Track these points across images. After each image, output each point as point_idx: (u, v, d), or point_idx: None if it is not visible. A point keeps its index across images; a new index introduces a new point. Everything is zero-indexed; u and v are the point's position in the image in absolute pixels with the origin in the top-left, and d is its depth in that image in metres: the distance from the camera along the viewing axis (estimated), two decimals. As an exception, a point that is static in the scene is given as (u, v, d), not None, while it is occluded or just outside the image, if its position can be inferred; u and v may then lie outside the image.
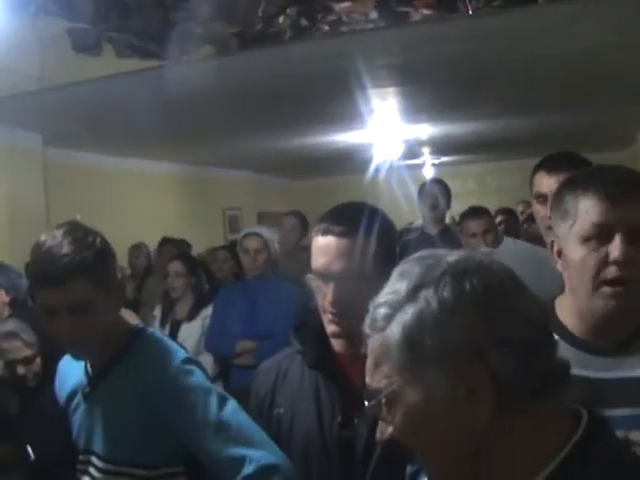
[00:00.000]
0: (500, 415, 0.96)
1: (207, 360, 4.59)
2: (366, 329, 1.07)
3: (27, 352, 2.91)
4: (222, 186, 10.59)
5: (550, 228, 2.51)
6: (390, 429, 1.05)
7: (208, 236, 8.65)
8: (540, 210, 2.64)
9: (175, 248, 6.28)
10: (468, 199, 7.83)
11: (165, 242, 6.62)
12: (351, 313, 1.64)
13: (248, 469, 1.69)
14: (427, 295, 0.97)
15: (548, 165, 2.64)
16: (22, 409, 2.57)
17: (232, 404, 1.85)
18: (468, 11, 3.85)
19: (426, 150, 10.94)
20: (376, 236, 1.72)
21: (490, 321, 0.96)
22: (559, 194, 1.61)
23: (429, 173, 11.65)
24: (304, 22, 4.04)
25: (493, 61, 5.07)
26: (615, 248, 1.49)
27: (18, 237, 5.53)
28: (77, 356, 1.93)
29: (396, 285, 1.02)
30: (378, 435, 1.08)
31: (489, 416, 0.96)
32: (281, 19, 4.05)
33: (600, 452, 0.98)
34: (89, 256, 1.77)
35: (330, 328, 1.73)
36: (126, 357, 1.91)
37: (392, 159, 8.91)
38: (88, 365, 1.97)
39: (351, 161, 10.23)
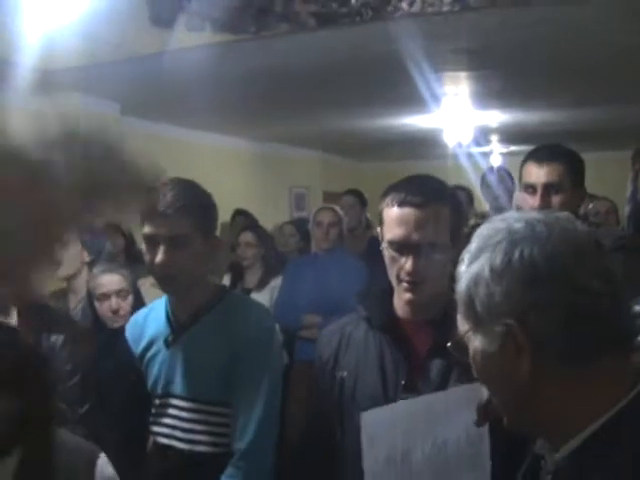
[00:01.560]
0: (541, 373, 1.04)
1: (273, 330, 4.69)
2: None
3: (123, 285, 3.10)
4: (290, 164, 10.65)
5: None
6: None
7: (274, 213, 8.74)
8: (528, 200, 2.64)
9: (246, 220, 6.43)
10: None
11: (237, 213, 6.82)
12: (426, 281, 1.72)
13: (243, 442, 2.02)
14: (483, 259, 1.07)
15: (539, 156, 2.65)
16: (101, 353, 2.71)
17: (279, 381, 2.13)
18: (544, -4, 3.83)
19: (494, 138, 10.82)
20: (450, 207, 1.78)
21: (532, 288, 1.03)
22: None
23: (497, 162, 11.49)
24: (377, 2, 4.07)
25: (570, 48, 4.97)
26: None
27: (93, 202, 5.69)
28: (166, 289, 2.15)
29: (471, 243, 1.12)
30: None
31: (528, 370, 1.04)
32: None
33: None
34: (194, 202, 2.06)
35: (406, 296, 1.78)
36: (216, 309, 2.13)
37: (462, 145, 8.86)
38: (171, 315, 2.17)
39: (419, 146, 10.20)
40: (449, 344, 1.18)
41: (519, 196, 2.73)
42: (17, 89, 4.55)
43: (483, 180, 5.26)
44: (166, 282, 2.10)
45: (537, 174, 2.60)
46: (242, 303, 2.23)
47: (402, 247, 1.75)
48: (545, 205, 2.56)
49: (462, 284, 1.11)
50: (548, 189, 2.58)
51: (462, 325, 1.14)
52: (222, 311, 2.13)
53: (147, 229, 2.06)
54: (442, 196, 1.79)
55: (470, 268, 1.10)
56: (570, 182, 2.61)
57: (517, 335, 1.04)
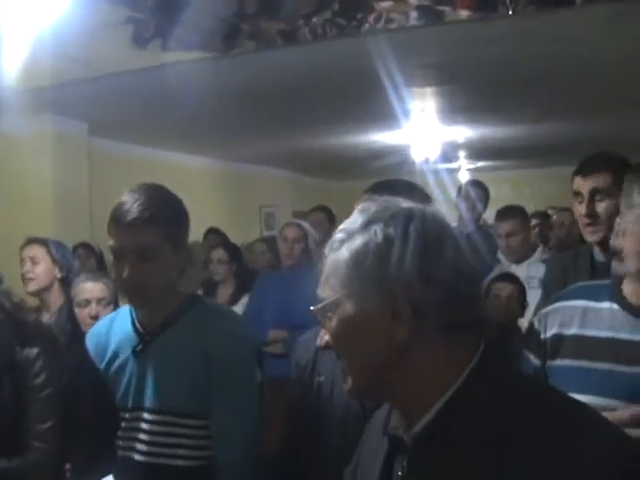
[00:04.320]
0: (415, 340, 1.12)
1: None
2: (326, 250, 1.24)
3: (106, 294, 3.12)
4: (260, 183, 10.70)
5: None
6: (327, 337, 1.23)
7: (244, 232, 8.75)
8: (576, 207, 2.68)
9: (218, 238, 6.49)
10: (502, 205, 7.85)
11: (210, 231, 6.95)
12: None
13: (232, 456, 1.96)
14: (377, 229, 1.15)
15: (584, 169, 2.66)
16: (79, 362, 2.68)
17: (257, 393, 2.05)
18: (508, 12, 3.90)
19: (462, 154, 10.94)
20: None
21: (422, 260, 1.12)
22: None
23: (465, 178, 11.60)
24: (341, 21, 4.12)
25: (533, 63, 5.06)
26: None
27: (62, 222, 5.67)
28: (135, 302, 2.06)
29: (355, 218, 1.21)
30: (318, 341, 1.22)
31: (405, 338, 1.12)
32: (320, 16, 4.12)
33: (486, 382, 1.13)
34: (162, 210, 1.96)
35: None
36: (187, 317, 2.05)
37: (429, 161, 8.93)
38: (138, 324, 2.09)
39: (387, 162, 10.26)
40: (313, 308, 1.23)
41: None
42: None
43: (458, 195, 5.36)
44: (135, 296, 2.01)
45: (583, 183, 2.63)
46: (215, 310, 2.14)
47: None
48: (591, 212, 2.59)
49: (344, 251, 1.17)
50: (593, 195, 2.60)
51: (330, 291, 1.20)
52: (193, 318, 2.04)
53: (113, 242, 1.96)
54: (404, 194, 1.81)
55: (357, 237, 1.17)
56: (616, 189, 2.64)
57: (400, 301, 1.11)
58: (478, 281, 1.20)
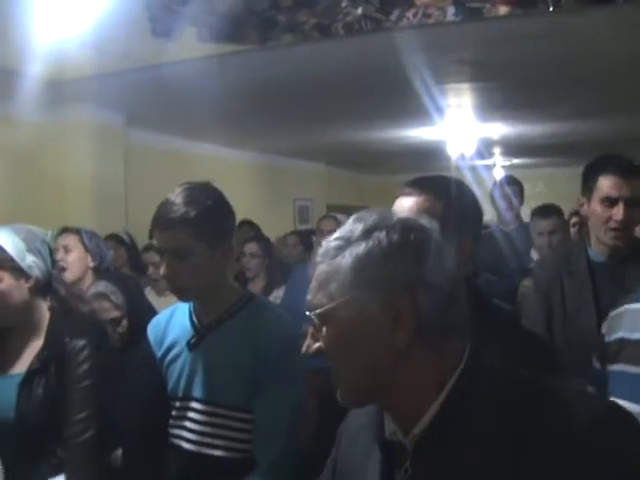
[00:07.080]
0: (413, 345, 1.15)
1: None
2: (317, 258, 1.23)
3: (115, 313, 3.06)
4: (294, 176, 10.72)
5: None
6: (316, 345, 1.22)
7: (278, 225, 8.76)
8: (603, 212, 2.58)
9: (251, 230, 6.45)
10: (537, 203, 7.79)
11: (243, 224, 6.83)
12: None
13: (271, 453, 1.99)
14: (380, 236, 1.17)
15: (621, 169, 2.60)
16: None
17: (303, 387, 2.11)
18: (548, 8, 3.86)
19: (497, 151, 10.86)
20: (443, 202, 1.79)
21: (423, 267, 1.15)
22: None
23: (499, 175, 11.52)
24: (379, 15, 4.10)
25: (571, 60, 5.02)
26: None
27: (97, 212, 5.73)
28: (179, 298, 2.14)
29: (352, 226, 1.22)
30: (304, 349, 1.23)
31: (406, 342, 1.15)
32: (359, 10, 4.11)
33: (478, 379, 1.16)
34: (194, 210, 2.02)
35: None
36: (241, 314, 2.13)
37: (465, 158, 8.88)
38: (194, 318, 2.18)
39: (423, 158, 10.23)
40: (310, 312, 1.21)
41: (589, 206, 2.66)
42: (26, 100, 4.60)
43: (493, 193, 5.31)
44: (177, 293, 2.11)
45: (621, 187, 2.55)
46: (266, 309, 2.21)
47: None
48: (627, 218, 2.53)
49: (347, 257, 1.18)
50: (632, 202, 2.54)
51: (326, 298, 1.19)
52: (246, 316, 2.13)
53: (154, 241, 2.10)
54: (440, 188, 1.82)
55: (359, 243, 1.18)
56: None
57: (402, 307, 1.14)
58: (460, 285, 1.21)
